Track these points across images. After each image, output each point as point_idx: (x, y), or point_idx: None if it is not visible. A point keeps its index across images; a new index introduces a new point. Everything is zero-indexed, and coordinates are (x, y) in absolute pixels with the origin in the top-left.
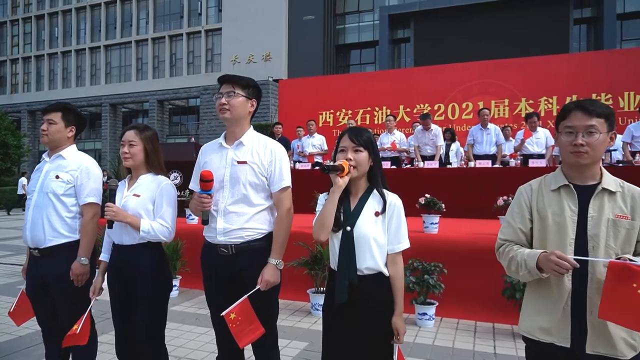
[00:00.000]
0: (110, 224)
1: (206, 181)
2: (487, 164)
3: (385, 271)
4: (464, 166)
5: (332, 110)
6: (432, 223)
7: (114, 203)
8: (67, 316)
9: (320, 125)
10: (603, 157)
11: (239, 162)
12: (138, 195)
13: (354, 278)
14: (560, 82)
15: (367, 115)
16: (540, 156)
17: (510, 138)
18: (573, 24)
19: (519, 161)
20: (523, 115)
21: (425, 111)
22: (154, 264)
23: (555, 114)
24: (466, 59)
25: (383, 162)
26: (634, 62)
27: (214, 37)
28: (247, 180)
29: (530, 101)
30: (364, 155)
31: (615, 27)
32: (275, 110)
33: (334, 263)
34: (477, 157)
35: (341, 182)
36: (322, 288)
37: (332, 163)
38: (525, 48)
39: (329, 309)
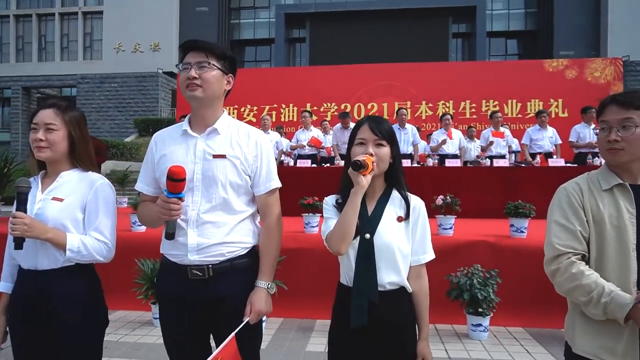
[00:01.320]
0: (20, 244)
1: (177, 180)
2: (406, 163)
3: (409, 286)
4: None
5: (236, 106)
6: None
7: (25, 212)
8: None
9: None
10: (507, 157)
11: (214, 156)
12: (60, 200)
13: (374, 295)
14: (456, 88)
15: (274, 112)
16: (455, 157)
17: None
18: (452, 37)
19: (436, 161)
20: (424, 117)
21: (332, 110)
22: (86, 296)
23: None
24: (358, 61)
25: (301, 160)
26: (518, 72)
27: (93, 21)
28: (227, 179)
29: (430, 104)
30: (386, 150)
31: (485, 43)
32: (166, 104)
33: (346, 277)
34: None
35: (364, 181)
36: None
37: (357, 159)
38: (411, 55)
39: (339, 334)
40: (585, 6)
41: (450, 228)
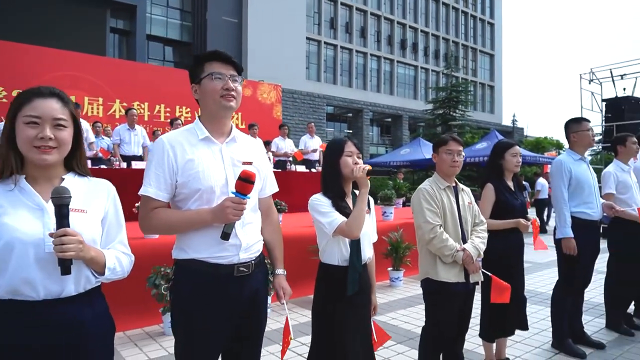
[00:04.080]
0: (68, 268)
1: (249, 182)
2: (136, 165)
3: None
4: (117, 166)
5: None
6: None
7: (69, 226)
8: None
9: None
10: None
11: (244, 163)
12: (82, 211)
13: (361, 269)
14: (152, 90)
15: None
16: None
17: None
18: (109, 31)
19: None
20: (117, 116)
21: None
22: (111, 321)
23: (146, 119)
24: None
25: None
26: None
27: None
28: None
29: (124, 103)
30: (362, 160)
31: (144, 45)
32: None
33: (340, 259)
34: (125, 157)
35: (368, 182)
36: None
37: (366, 167)
38: (66, 42)
39: (337, 301)
40: (231, 30)
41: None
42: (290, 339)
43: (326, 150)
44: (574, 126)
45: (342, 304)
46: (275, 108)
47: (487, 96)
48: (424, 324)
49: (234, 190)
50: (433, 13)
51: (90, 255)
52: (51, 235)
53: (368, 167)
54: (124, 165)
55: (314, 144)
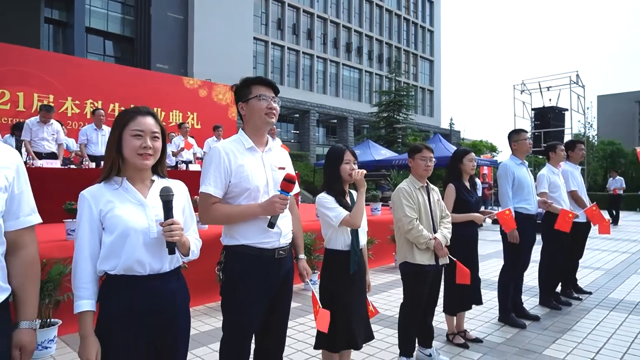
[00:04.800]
0: (173, 249)
1: (292, 182)
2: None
3: None
4: (87, 167)
5: None
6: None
7: (173, 217)
8: None
9: None
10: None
11: (279, 168)
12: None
13: (360, 252)
14: (107, 88)
15: None
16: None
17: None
18: (44, 21)
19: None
20: (69, 114)
21: None
22: (188, 292)
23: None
24: None
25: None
26: (163, 84)
27: None
28: None
29: (77, 102)
30: (356, 166)
31: (83, 38)
32: None
33: (343, 245)
34: (93, 157)
35: (365, 183)
36: None
37: (364, 172)
38: None
39: (341, 279)
40: (177, 27)
41: None
42: (318, 307)
43: (328, 158)
44: (515, 136)
45: (345, 280)
46: (230, 109)
47: (427, 100)
48: (402, 301)
49: (280, 189)
50: (377, 18)
51: (183, 240)
52: (161, 224)
53: (364, 171)
54: (92, 165)
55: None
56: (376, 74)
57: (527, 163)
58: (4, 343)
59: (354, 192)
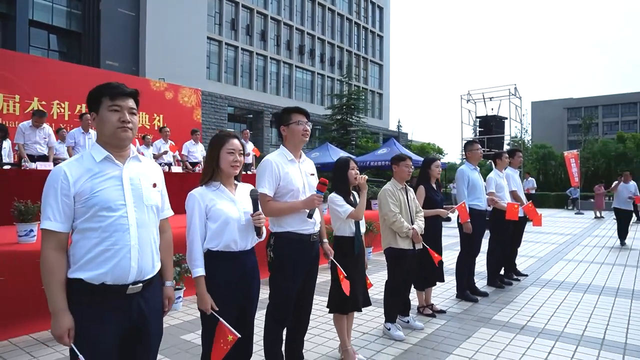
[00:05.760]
0: (260, 233)
1: (325, 185)
2: None
3: None
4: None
5: None
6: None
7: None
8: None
9: None
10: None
11: (311, 174)
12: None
13: (362, 238)
14: (72, 89)
15: None
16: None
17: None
18: None
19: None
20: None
21: None
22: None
23: (67, 118)
24: None
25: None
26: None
27: None
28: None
29: (44, 102)
30: (359, 172)
31: (26, 31)
32: None
33: (349, 232)
34: None
35: (367, 186)
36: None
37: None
38: None
39: (349, 258)
40: (128, 23)
41: None
42: (343, 277)
43: (337, 166)
44: (469, 147)
45: (351, 259)
46: (195, 111)
47: (376, 103)
48: (386, 280)
49: (317, 189)
50: (329, 22)
51: (263, 226)
52: (252, 215)
53: (366, 177)
54: None
55: (247, 149)
56: (328, 76)
57: (478, 168)
58: (159, 295)
59: (355, 193)
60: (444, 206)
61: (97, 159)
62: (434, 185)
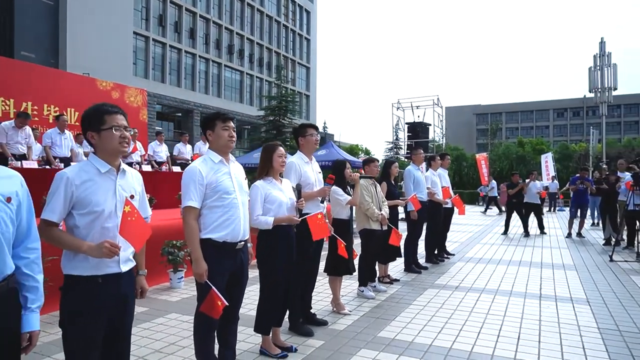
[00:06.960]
0: (301, 214)
1: (332, 180)
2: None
3: None
4: (57, 167)
5: None
6: None
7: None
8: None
9: None
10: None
11: (318, 173)
12: None
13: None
14: (19, 87)
15: None
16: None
17: None
18: None
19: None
20: None
21: None
22: None
23: (12, 116)
24: None
25: None
26: (76, 84)
27: None
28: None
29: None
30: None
31: None
32: None
33: (345, 215)
34: (61, 159)
35: (359, 182)
36: (180, 268)
37: (361, 175)
38: None
39: (342, 232)
40: (46, 13)
41: None
42: (343, 245)
43: (335, 167)
44: (414, 151)
45: (345, 233)
46: (141, 111)
47: (303, 104)
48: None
49: (326, 182)
50: (258, 23)
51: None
52: (297, 202)
53: (358, 174)
54: (62, 165)
55: (187, 150)
56: (257, 76)
57: (421, 169)
58: (247, 253)
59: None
60: (400, 198)
61: (215, 160)
62: (392, 182)
